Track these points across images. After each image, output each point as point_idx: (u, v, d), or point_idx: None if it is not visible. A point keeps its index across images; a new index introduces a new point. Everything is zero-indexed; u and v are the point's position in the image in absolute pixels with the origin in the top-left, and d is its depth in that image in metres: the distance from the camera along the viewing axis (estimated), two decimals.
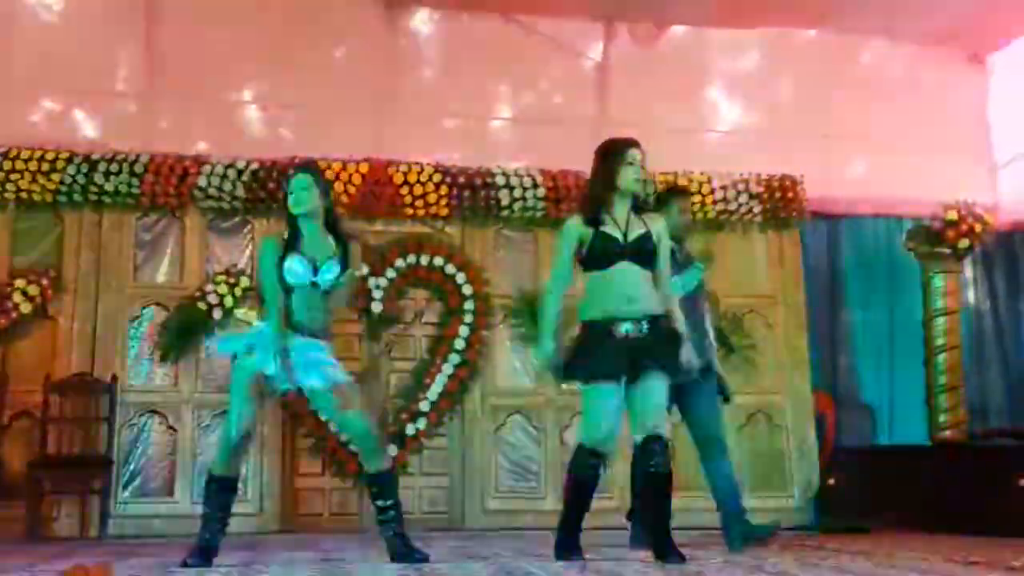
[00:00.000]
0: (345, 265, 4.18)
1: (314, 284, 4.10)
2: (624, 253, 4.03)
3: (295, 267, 4.09)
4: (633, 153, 4.11)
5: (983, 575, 3.60)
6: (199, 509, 4.18)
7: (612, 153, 4.14)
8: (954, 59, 8.41)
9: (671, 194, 5.27)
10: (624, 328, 3.97)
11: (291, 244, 4.14)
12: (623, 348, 3.95)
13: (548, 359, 4.15)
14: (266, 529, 6.43)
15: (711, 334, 5.02)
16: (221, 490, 4.13)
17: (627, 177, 4.08)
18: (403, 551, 4.09)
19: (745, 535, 4.75)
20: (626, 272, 4.03)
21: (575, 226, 4.11)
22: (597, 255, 4.05)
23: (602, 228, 4.06)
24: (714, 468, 4.84)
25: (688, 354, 4.06)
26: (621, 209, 4.11)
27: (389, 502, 4.15)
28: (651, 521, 4.10)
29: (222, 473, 4.12)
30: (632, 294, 4.00)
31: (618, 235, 4.05)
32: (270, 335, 4.03)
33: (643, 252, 4.05)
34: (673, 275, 4.45)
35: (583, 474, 4.11)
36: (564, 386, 6.94)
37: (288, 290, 4.09)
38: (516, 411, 7.11)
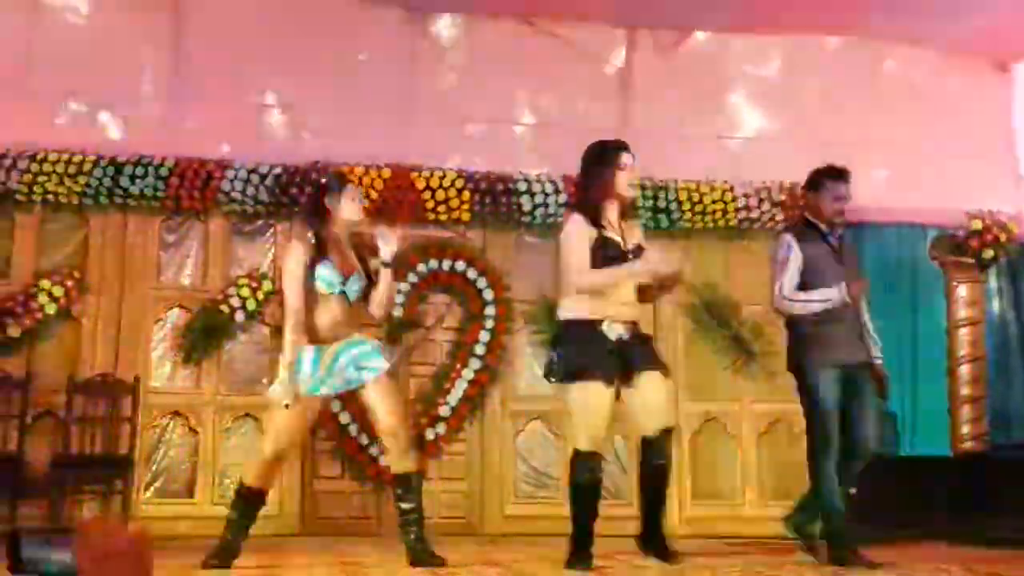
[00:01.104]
0: (369, 279, 4.20)
1: (342, 294, 4.12)
2: (623, 258, 4.07)
3: (327, 274, 4.10)
4: (626, 158, 4.13)
5: None
6: (219, 511, 4.22)
7: (606, 158, 4.16)
8: (979, 67, 8.33)
9: (826, 175, 4.61)
10: (617, 331, 4.01)
11: (319, 251, 4.15)
12: (614, 351, 4.00)
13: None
14: (285, 532, 6.45)
15: (869, 327, 4.82)
16: (250, 501, 4.17)
17: (622, 183, 4.12)
18: (421, 555, 4.10)
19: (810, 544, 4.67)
20: None
21: (584, 224, 4.09)
22: (602, 257, 4.05)
23: (604, 232, 4.08)
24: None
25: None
26: (612, 213, 4.16)
27: (411, 505, 4.16)
28: (646, 513, 4.11)
29: (253, 485, 4.17)
30: (627, 299, 4.09)
31: (619, 240, 4.11)
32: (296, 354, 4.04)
33: (636, 259, 4.09)
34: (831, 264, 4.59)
35: (590, 479, 4.04)
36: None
37: (314, 299, 4.10)
38: (536, 417, 7.11)
